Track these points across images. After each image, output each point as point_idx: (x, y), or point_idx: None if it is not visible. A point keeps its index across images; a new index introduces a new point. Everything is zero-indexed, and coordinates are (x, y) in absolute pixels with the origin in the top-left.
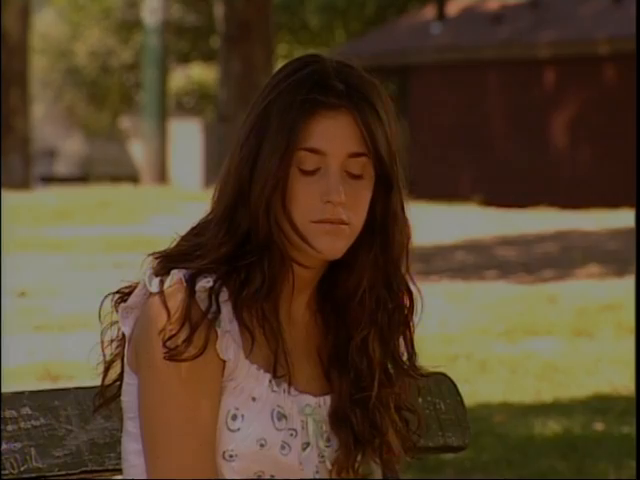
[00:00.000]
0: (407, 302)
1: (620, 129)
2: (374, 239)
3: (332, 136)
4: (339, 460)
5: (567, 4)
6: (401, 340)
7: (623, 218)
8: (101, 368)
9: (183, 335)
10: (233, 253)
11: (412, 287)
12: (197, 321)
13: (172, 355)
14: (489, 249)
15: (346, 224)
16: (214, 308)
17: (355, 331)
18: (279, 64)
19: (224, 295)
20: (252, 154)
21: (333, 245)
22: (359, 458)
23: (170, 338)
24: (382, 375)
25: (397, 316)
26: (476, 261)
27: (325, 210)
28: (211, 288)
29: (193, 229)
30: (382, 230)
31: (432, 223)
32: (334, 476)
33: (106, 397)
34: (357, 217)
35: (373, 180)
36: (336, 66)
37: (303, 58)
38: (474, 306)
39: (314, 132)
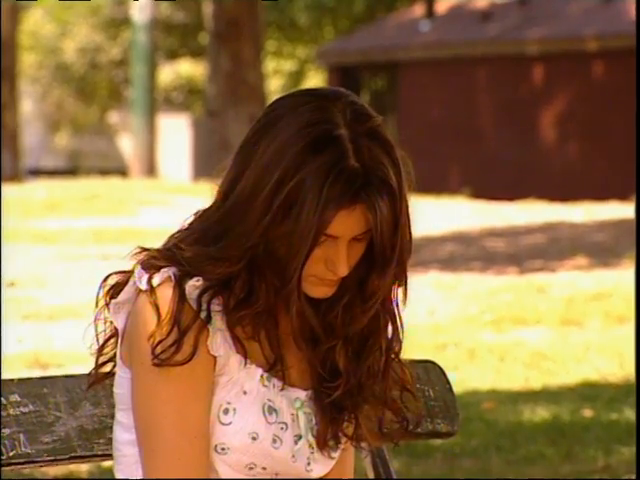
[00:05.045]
0: (388, 328)
1: (608, 124)
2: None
3: (346, 225)
4: (318, 431)
5: (555, 2)
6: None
7: (611, 210)
8: (94, 347)
9: (171, 340)
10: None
11: (397, 316)
12: (187, 324)
13: (160, 361)
14: (477, 241)
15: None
16: (205, 306)
17: (323, 340)
18: (267, 60)
19: (216, 304)
20: (276, 223)
21: (326, 293)
22: (338, 428)
23: (159, 343)
24: (349, 383)
25: (372, 341)
26: (464, 252)
27: (327, 273)
28: (202, 289)
29: (190, 236)
30: (366, 273)
31: (421, 215)
32: (319, 448)
33: (98, 377)
34: (351, 267)
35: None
36: (352, 132)
37: (313, 114)
38: (462, 296)
39: (333, 222)
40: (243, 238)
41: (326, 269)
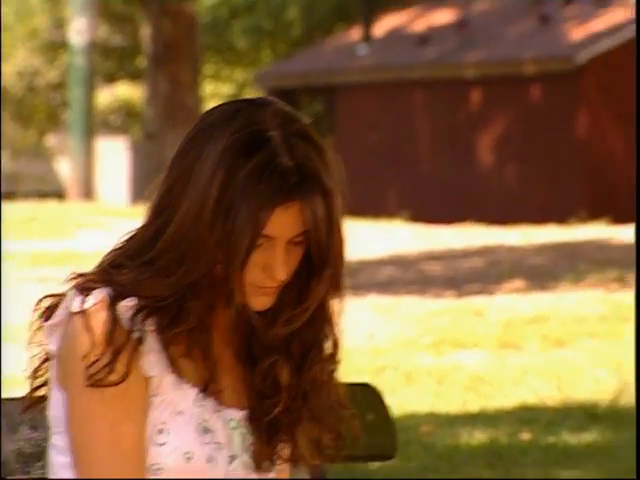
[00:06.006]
0: (330, 343)
1: (545, 147)
2: (294, 285)
3: (283, 224)
4: (254, 452)
5: (494, 25)
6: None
7: (549, 234)
8: (29, 371)
9: (105, 361)
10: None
11: (336, 331)
12: (120, 345)
13: (94, 382)
14: (416, 264)
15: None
16: (139, 327)
17: (264, 356)
18: (205, 84)
19: (149, 324)
20: (215, 232)
21: (265, 303)
22: (274, 449)
23: (92, 364)
24: (290, 398)
25: (314, 353)
26: (403, 276)
27: (266, 280)
28: (136, 308)
29: (122, 254)
30: (305, 284)
31: (359, 239)
32: (254, 469)
33: (33, 400)
34: (289, 274)
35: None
36: (284, 133)
37: (245, 119)
38: (401, 319)
39: (269, 222)
40: (201, 259)
41: (265, 276)
